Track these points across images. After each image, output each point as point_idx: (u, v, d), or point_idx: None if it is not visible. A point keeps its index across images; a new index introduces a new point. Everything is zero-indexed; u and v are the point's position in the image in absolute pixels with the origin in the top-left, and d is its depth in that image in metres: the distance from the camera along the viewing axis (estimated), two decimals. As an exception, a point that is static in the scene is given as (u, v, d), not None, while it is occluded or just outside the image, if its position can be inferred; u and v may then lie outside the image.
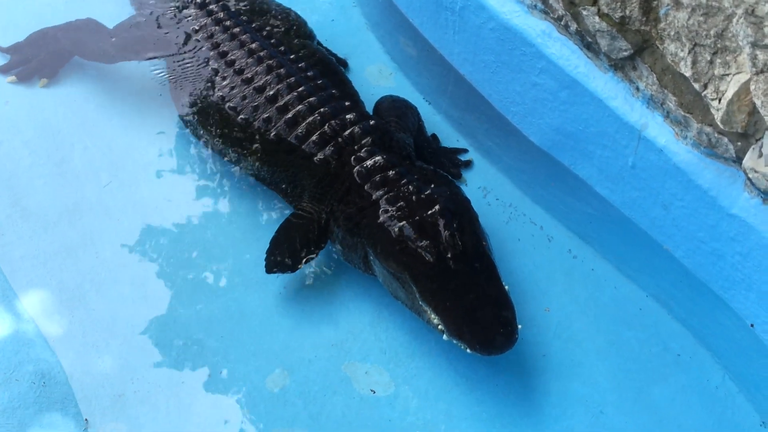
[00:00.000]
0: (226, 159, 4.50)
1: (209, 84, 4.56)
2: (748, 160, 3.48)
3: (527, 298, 4.11)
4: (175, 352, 3.95)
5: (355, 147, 4.19)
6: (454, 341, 3.61)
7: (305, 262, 4.08)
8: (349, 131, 4.23)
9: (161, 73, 4.83)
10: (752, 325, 3.82)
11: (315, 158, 4.18)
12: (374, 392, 3.86)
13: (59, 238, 4.31)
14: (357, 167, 4.10)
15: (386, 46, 5.36)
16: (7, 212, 4.39)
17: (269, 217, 4.41)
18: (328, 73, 4.61)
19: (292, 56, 4.62)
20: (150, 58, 4.93)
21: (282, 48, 4.67)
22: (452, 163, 4.67)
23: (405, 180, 4.02)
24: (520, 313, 3.69)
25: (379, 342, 4.00)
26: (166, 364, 3.92)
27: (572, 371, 3.89)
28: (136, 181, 4.57)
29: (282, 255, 4.09)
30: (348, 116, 4.29)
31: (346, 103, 4.39)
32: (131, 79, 5.05)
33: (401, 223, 3.82)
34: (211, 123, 4.46)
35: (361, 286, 4.16)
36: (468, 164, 4.69)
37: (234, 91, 4.46)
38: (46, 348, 3.92)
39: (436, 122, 4.91)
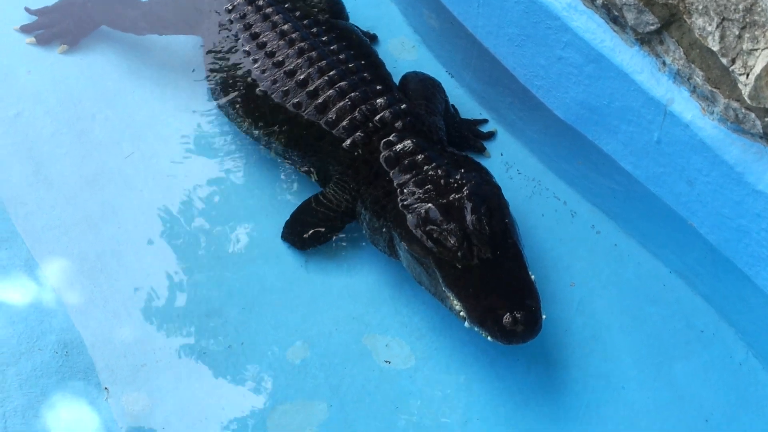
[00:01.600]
0: (255, 140, 4.48)
1: (241, 66, 4.53)
2: (776, 136, 3.45)
3: (549, 273, 4.09)
4: (196, 322, 3.96)
5: (386, 132, 4.14)
6: (476, 329, 3.56)
7: (315, 246, 4.18)
8: (379, 116, 4.17)
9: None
10: (777, 302, 3.81)
11: (344, 144, 4.15)
12: (389, 363, 3.86)
13: (81, 209, 4.31)
14: (386, 152, 4.06)
15: (409, 18, 5.32)
16: (29, 181, 4.39)
17: (292, 189, 4.40)
18: (361, 55, 4.53)
19: (324, 38, 4.54)
20: (180, 34, 4.96)
21: (315, 30, 4.59)
22: (475, 135, 4.64)
23: (434, 164, 3.97)
24: (542, 288, 3.68)
25: (399, 315, 3.99)
26: (186, 334, 3.93)
27: (594, 347, 3.89)
28: (157, 153, 4.56)
29: (294, 234, 4.20)
30: (379, 100, 4.22)
31: (378, 87, 4.31)
32: (154, 51, 5.04)
33: (427, 206, 3.78)
34: (242, 105, 4.43)
35: (382, 260, 4.15)
36: (491, 136, 4.66)
37: (265, 74, 4.42)
38: (68, 318, 3.93)
39: (459, 95, 4.87)
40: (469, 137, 4.61)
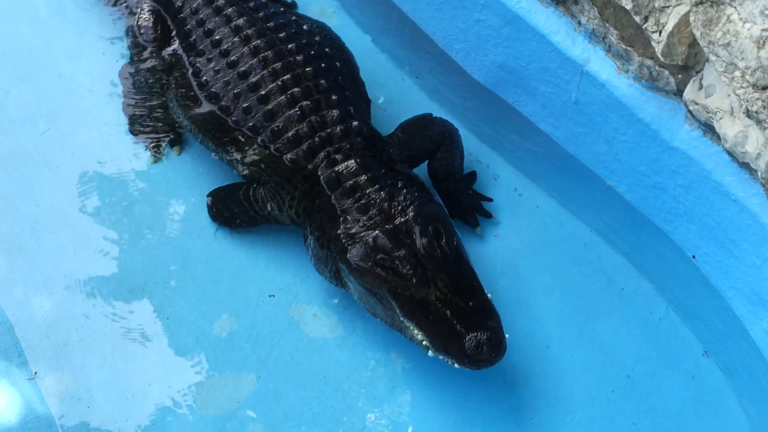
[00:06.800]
0: (198, 141, 4.32)
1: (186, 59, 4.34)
2: (689, 92, 3.49)
3: (472, 237, 4.12)
4: (119, 299, 3.93)
5: (331, 149, 3.87)
6: (440, 357, 3.43)
7: (230, 227, 4.16)
8: (328, 131, 3.89)
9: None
10: (694, 257, 3.86)
11: (286, 157, 3.88)
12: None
13: (-4, 187, 4.24)
14: (329, 171, 3.79)
15: (329, -17, 5.26)
16: (-59, 161, 4.29)
17: (217, 163, 4.27)
18: (324, 58, 4.19)
19: (282, 35, 4.20)
20: None
21: (271, 24, 4.27)
22: (473, 207, 4.22)
23: (377, 185, 3.71)
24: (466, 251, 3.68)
25: (325, 284, 3.97)
26: (110, 311, 3.89)
27: (518, 308, 3.93)
28: (74, 129, 4.46)
29: (214, 209, 4.14)
30: (332, 112, 3.93)
31: (333, 97, 3.99)
32: (68, 22, 4.89)
33: (374, 233, 3.60)
34: (181, 101, 4.26)
35: (307, 230, 4.13)
36: (488, 215, 4.24)
37: (218, 75, 4.14)
38: (-13, 298, 3.88)
39: (380, 61, 4.84)
40: (465, 205, 4.21)
